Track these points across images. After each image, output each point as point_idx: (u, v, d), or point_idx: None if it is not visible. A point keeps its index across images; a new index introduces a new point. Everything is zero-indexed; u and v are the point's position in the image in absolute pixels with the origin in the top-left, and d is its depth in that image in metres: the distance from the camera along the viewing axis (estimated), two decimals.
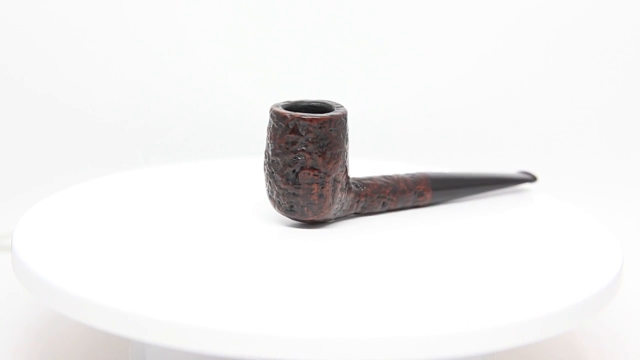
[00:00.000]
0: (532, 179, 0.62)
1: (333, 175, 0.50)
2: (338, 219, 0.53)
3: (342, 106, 0.52)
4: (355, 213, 0.54)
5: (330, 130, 0.50)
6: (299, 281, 0.45)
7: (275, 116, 0.51)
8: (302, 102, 0.53)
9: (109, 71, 0.89)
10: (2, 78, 0.88)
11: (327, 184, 0.50)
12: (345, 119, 0.51)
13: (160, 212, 0.55)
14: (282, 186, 0.51)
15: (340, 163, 0.51)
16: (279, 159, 0.50)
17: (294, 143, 0.50)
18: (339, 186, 0.51)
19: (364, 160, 0.67)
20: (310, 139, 0.50)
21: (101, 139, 0.88)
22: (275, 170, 0.51)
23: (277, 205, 0.52)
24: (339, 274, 0.46)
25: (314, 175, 0.50)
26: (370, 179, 0.54)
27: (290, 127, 0.50)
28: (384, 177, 0.55)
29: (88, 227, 0.51)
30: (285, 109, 0.52)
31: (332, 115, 0.50)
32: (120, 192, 0.58)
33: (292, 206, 0.51)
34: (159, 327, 0.39)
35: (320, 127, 0.50)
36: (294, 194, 0.51)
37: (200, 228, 0.52)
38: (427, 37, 0.91)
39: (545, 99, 0.91)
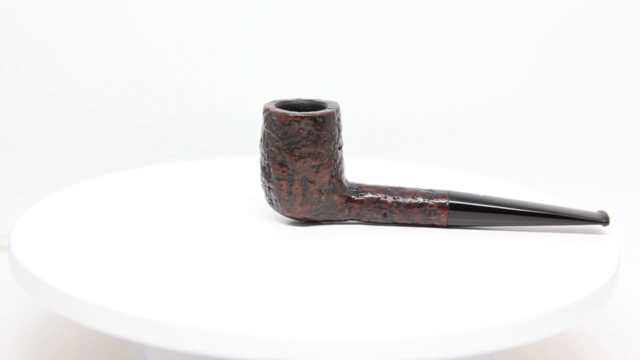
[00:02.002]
0: (602, 220, 0.52)
1: (303, 174, 0.50)
2: (333, 222, 0.53)
3: (333, 108, 0.51)
4: (353, 219, 0.53)
5: (300, 129, 0.50)
6: (296, 282, 0.45)
7: (262, 110, 0.51)
8: (312, 100, 0.53)
9: (108, 72, 0.89)
10: (2, 78, 0.88)
11: (296, 182, 0.50)
12: (324, 120, 0.50)
13: (158, 212, 0.55)
14: (262, 178, 0.52)
15: (313, 163, 0.50)
16: (260, 150, 0.52)
17: (269, 137, 0.51)
18: (314, 187, 0.51)
19: (376, 161, 0.67)
20: (279, 135, 0.50)
21: (99, 139, 0.88)
22: (260, 162, 0.52)
23: (264, 196, 0.53)
24: (337, 275, 0.46)
25: (282, 171, 0.50)
26: (375, 187, 0.53)
27: (267, 121, 0.51)
28: (394, 187, 0.53)
29: (86, 227, 0.51)
30: (284, 105, 0.52)
31: (303, 115, 0.50)
32: (118, 192, 0.58)
33: (270, 199, 0.52)
34: (157, 329, 0.39)
35: (288, 124, 0.50)
36: (269, 187, 0.51)
37: (198, 228, 0.52)
38: (431, 38, 0.91)
39: (545, 101, 0.91)
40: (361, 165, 0.63)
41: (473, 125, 0.91)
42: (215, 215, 0.54)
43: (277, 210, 0.52)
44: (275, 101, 0.52)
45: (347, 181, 0.53)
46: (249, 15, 0.90)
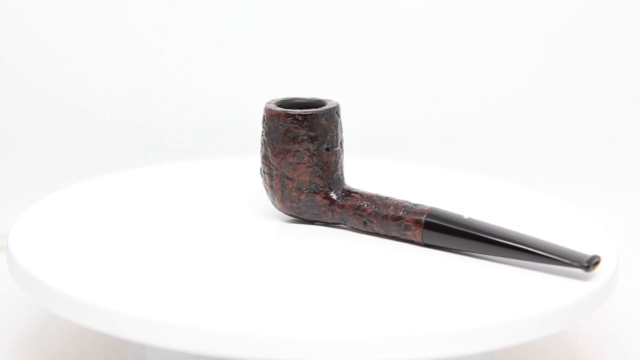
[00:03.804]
0: (584, 264, 0.45)
1: (282, 171, 0.51)
2: (328, 224, 0.53)
3: (320, 109, 0.51)
4: (339, 223, 0.52)
5: (279, 126, 0.50)
6: (294, 281, 0.45)
7: None
8: (320, 100, 0.53)
9: (108, 71, 0.89)
10: (2, 79, 0.88)
11: (276, 177, 0.51)
12: (304, 119, 0.50)
13: (157, 212, 0.55)
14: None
15: (291, 160, 0.50)
16: None
17: (262, 132, 0.52)
18: (292, 184, 0.51)
19: (378, 161, 0.67)
20: (266, 129, 0.51)
21: (99, 139, 0.88)
22: None
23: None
24: (336, 274, 0.46)
25: (266, 165, 0.51)
26: (363, 194, 0.51)
27: (262, 116, 0.52)
28: (383, 196, 0.51)
29: (85, 227, 0.51)
30: (289, 103, 0.53)
31: (282, 111, 0.50)
32: (117, 192, 0.58)
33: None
34: (156, 329, 0.39)
35: (270, 120, 0.51)
36: (261, 181, 0.53)
37: (197, 228, 0.52)
38: (433, 38, 0.91)
39: (546, 101, 0.91)
40: (364, 165, 0.63)
41: (475, 126, 0.90)
42: (214, 215, 0.54)
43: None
44: (288, 98, 0.53)
45: (340, 182, 0.52)
46: (252, 14, 0.90)
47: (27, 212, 0.53)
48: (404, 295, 0.43)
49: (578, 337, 0.58)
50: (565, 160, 0.88)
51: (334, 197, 0.51)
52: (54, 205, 0.55)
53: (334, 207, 0.51)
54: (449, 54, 0.91)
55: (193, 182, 0.62)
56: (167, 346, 0.39)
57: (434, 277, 0.45)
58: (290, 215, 0.52)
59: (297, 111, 0.50)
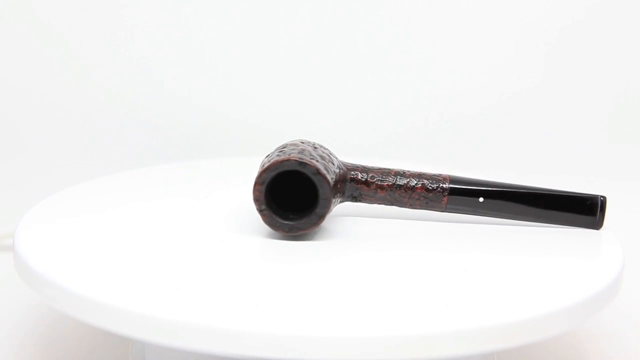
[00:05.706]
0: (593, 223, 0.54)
1: None
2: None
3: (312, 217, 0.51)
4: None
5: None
6: (296, 279, 0.45)
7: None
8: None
9: (110, 73, 0.89)
10: (3, 79, 0.88)
11: None
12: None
13: (160, 211, 0.55)
14: None
15: None
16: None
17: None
18: None
19: (378, 160, 0.67)
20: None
21: (101, 139, 0.88)
22: None
23: None
24: (337, 274, 0.46)
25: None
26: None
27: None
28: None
29: (89, 226, 0.51)
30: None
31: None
32: (120, 192, 0.59)
33: None
34: (161, 326, 0.39)
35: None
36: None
37: (200, 226, 0.52)
38: (434, 37, 0.92)
39: (548, 101, 0.91)
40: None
41: (474, 126, 0.91)
42: (215, 214, 0.54)
43: None
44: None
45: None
46: (254, 16, 0.90)
47: (31, 212, 0.53)
48: (404, 295, 0.43)
49: (581, 336, 0.58)
50: (567, 158, 0.88)
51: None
52: (57, 205, 0.55)
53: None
54: (448, 54, 0.92)
55: (193, 182, 0.62)
56: (170, 344, 0.39)
57: (437, 276, 0.46)
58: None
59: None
